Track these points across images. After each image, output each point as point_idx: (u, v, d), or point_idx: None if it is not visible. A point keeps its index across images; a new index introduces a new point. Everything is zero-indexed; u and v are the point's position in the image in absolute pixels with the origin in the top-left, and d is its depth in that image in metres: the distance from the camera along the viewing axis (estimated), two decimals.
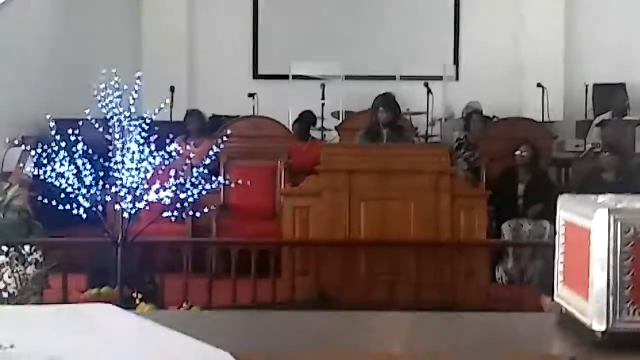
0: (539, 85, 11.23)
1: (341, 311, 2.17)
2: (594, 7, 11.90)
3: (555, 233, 1.76)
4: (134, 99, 6.04)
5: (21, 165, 8.60)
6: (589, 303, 1.56)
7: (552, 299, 4.44)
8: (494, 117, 10.95)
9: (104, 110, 5.97)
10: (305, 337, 1.67)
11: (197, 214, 6.52)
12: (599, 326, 1.53)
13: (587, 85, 11.44)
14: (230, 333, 1.71)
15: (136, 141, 5.92)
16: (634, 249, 1.53)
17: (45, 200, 6.02)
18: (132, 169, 5.90)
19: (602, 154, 8.90)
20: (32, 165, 6.08)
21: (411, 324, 1.87)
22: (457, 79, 12.14)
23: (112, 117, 5.96)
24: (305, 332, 1.70)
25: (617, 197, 1.64)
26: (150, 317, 1.62)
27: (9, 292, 5.61)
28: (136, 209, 5.98)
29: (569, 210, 1.70)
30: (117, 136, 5.96)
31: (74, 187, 5.86)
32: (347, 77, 11.72)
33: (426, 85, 10.81)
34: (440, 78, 11.76)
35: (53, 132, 5.88)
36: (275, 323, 1.78)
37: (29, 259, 5.73)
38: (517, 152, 8.92)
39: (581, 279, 1.59)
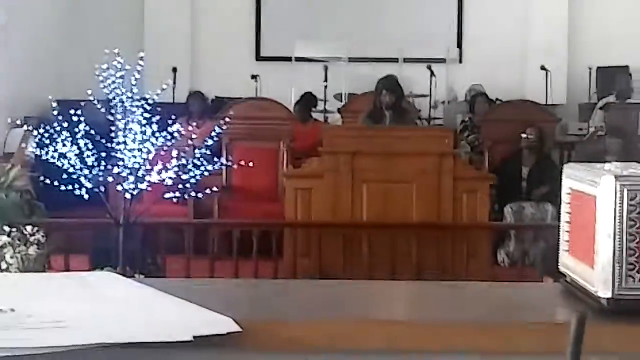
0: (542, 68, 11.22)
1: (345, 280, 2.18)
2: None
3: (559, 205, 1.76)
4: (136, 79, 6.03)
5: (23, 145, 8.60)
6: (594, 271, 1.56)
7: (555, 281, 4.46)
8: (497, 99, 10.93)
9: (106, 91, 5.96)
10: (309, 305, 1.68)
11: (199, 195, 6.52)
12: (604, 293, 1.53)
13: (590, 69, 11.42)
14: (233, 301, 1.71)
15: (138, 122, 5.91)
16: None
17: (48, 181, 6.03)
18: (134, 149, 5.89)
19: (605, 137, 8.90)
20: (34, 145, 6.08)
21: (415, 293, 1.88)
22: (460, 61, 12.12)
23: (114, 98, 5.95)
24: (309, 301, 1.71)
25: (623, 164, 1.64)
26: (152, 284, 1.63)
27: (11, 273, 5.62)
28: (138, 189, 5.98)
29: (575, 178, 1.69)
30: (119, 117, 5.96)
31: (76, 167, 5.86)
32: (350, 60, 11.69)
33: (429, 68, 10.79)
34: (443, 61, 11.73)
35: (55, 113, 5.87)
36: (278, 292, 1.78)
37: (31, 240, 5.74)
38: (524, 135, 8.90)
39: (586, 247, 1.59)
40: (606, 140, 8.82)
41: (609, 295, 1.54)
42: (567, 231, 1.75)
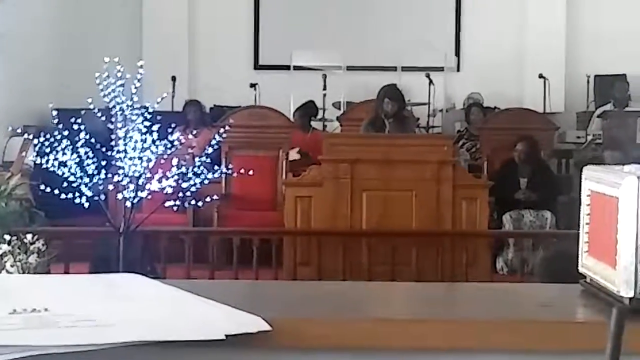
0: (540, 76, 11.24)
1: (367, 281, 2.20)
2: None
3: (579, 204, 1.77)
4: (136, 88, 6.04)
5: (23, 154, 8.60)
6: (616, 271, 1.56)
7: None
8: (495, 108, 10.95)
9: (107, 100, 5.97)
10: (335, 304, 1.71)
11: (199, 204, 6.52)
12: (627, 293, 1.54)
13: (588, 77, 11.44)
14: (259, 301, 1.73)
15: (138, 130, 5.92)
16: None
17: (48, 190, 6.02)
18: (134, 158, 5.90)
19: (603, 146, 8.92)
20: (34, 154, 6.08)
21: (437, 294, 1.89)
22: (458, 70, 12.13)
23: (114, 107, 5.96)
24: (334, 300, 1.73)
25: None
26: (178, 285, 1.64)
27: None
28: (138, 198, 5.99)
29: (595, 179, 1.70)
30: (119, 125, 5.96)
31: (76, 176, 5.86)
32: (349, 68, 11.71)
33: (428, 76, 10.82)
34: (441, 69, 11.75)
35: (55, 122, 5.88)
36: (302, 292, 1.80)
37: (32, 248, 5.73)
38: (515, 148, 8.92)
39: (608, 248, 1.60)
40: (604, 152, 8.84)
41: (631, 294, 1.55)
42: (586, 232, 1.76)
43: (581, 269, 1.78)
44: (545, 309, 1.69)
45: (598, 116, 10.43)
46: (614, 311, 1.20)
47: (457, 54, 12.18)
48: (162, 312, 1.50)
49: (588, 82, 11.46)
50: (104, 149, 6.00)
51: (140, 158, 5.92)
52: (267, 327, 1.50)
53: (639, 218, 1.54)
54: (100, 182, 5.93)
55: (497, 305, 1.75)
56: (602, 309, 1.61)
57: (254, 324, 1.49)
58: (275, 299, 1.76)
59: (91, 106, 6.08)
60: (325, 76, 11.10)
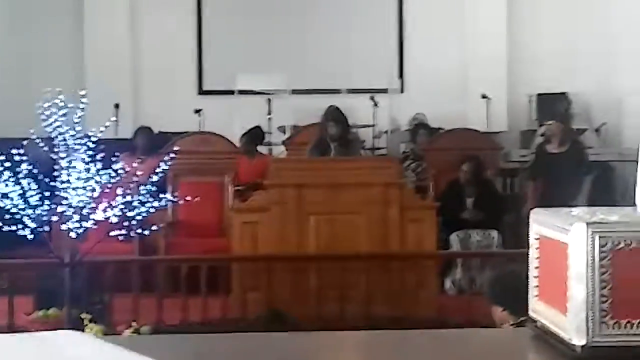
0: (483, 96, 11.34)
1: (295, 332, 2.15)
2: (535, 18, 12.05)
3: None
4: (79, 117, 5.98)
5: None
6: (567, 317, 1.55)
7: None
8: (439, 128, 11.01)
9: (49, 129, 5.91)
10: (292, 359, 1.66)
11: (145, 232, 6.47)
12: (578, 341, 1.53)
13: (530, 96, 11.58)
14: (214, 358, 1.68)
15: (82, 160, 5.86)
16: (612, 262, 1.53)
17: None
18: (78, 187, 5.84)
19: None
20: None
21: (378, 344, 1.85)
22: (402, 91, 12.19)
23: (57, 136, 5.89)
24: (290, 355, 1.68)
25: (590, 209, 1.64)
26: (120, 343, 1.59)
27: None
28: (83, 228, 5.92)
29: (543, 224, 1.69)
30: (62, 155, 5.90)
31: (19, 207, 5.79)
32: (294, 92, 11.71)
33: (372, 98, 10.85)
34: (385, 91, 11.80)
35: None
36: (249, 346, 1.75)
37: None
38: (461, 169, 8.99)
39: (558, 293, 1.58)
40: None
41: (583, 342, 1.53)
42: (535, 277, 1.75)
43: (531, 314, 1.76)
44: (497, 358, 1.67)
45: (541, 135, 10.54)
46: None
47: (401, 75, 12.25)
48: None
49: (530, 100, 11.59)
50: (47, 180, 5.93)
51: (84, 188, 5.87)
52: None
53: (588, 264, 1.53)
54: (43, 213, 5.86)
55: (449, 357, 1.71)
56: (553, 357, 1.59)
57: None
58: (227, 356, 1.71)
59: (33, 136, 6.01)
60: (269, 100, 11.09)
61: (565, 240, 1.56)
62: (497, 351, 1.71)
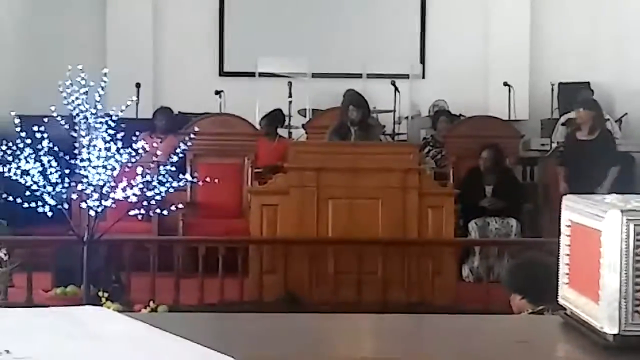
0: (505, 84, 11.28)
1: (311, 313, 2.14)
2: (559, 6, 11.97)
3: (559, 233, 1.73)
4: (100, 95, 5.98)
5: None
6: (599, 306, 1.52)
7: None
8: (460, 115, 10.97)
9: (70, 107, 5.91)
10: (306, 341, 1.64)
11: (164, 212, 6.47)
12: (610, 329, 1.50)
13: (552, 84, 11.50)
14: (231, 336, 1.67)
15: (102, 138, 5.87)
16: None
17: (10, 198, 5.95)
18: (98, 166, 5.84)
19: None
20: None
21: (405, 328, 1.83)
22: (423, 77, 12.14)
23: (78, 114, 5.90)
24: (305, 336, 1.67)
25: (624, 197, 1.61)
26: (144, 320, 1.58)
27: None
28: (103, 207, 5.93)
29: (575, 210, 1.66)
30: (83, 133, 5.91)
31: (39, 184, 5.80)
32: (314, 75, 11.68)
33: (393, 83, 10.81)
34: (407, 76, 11.76)
35: (18, 129, 5.81)
36: (275, 327, 1.74)
37: None
38: (481, 156, 8.95)
39: (590, 281, 1.56)
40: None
41: (615, 331, 1.50)
42: (567, 264, 1.72)
43: (561, 301, 1.73)
44: (522, 346, 1.63)
45: (562, 124, 10.48)
46: None
47: (422, 61, 12.20)
48: (130, 353, 1.45)
49: (552, 89, 11.52)
50: (67, 157, 5.94)
51: (104, 166, 5.87)
52: None
53: (622, 252, 1.50)
54: (63, 190, 5.87)
55: (469, 342, 1.68)
56: (584, 345, 1.56)
57: None
58: (243, 335, 1.69)
59: (54, 114, 6.02)
60: (290, 83, 11.06)
61: (599, 228, 1.53)
62: (526, 338, 1.69)
